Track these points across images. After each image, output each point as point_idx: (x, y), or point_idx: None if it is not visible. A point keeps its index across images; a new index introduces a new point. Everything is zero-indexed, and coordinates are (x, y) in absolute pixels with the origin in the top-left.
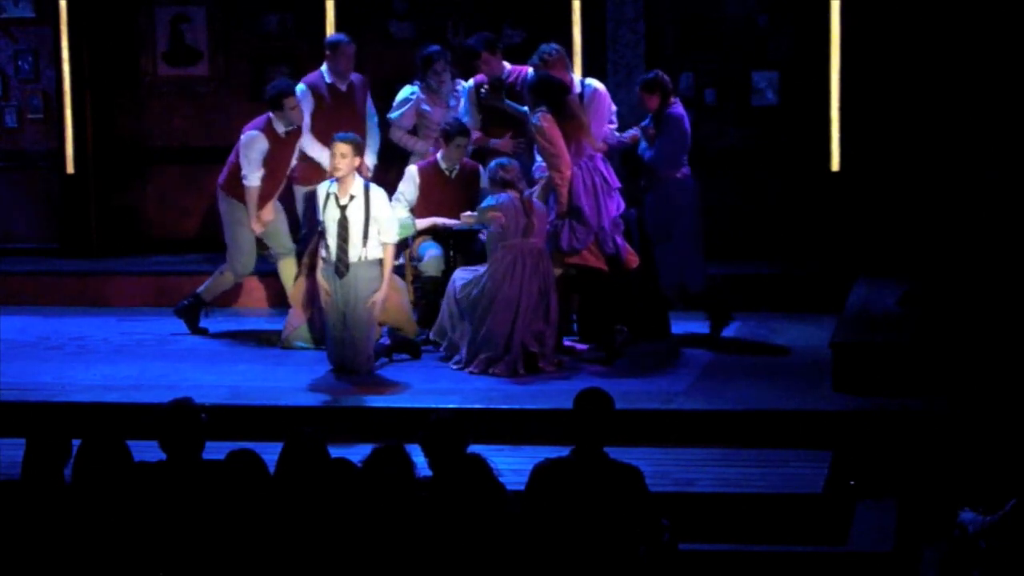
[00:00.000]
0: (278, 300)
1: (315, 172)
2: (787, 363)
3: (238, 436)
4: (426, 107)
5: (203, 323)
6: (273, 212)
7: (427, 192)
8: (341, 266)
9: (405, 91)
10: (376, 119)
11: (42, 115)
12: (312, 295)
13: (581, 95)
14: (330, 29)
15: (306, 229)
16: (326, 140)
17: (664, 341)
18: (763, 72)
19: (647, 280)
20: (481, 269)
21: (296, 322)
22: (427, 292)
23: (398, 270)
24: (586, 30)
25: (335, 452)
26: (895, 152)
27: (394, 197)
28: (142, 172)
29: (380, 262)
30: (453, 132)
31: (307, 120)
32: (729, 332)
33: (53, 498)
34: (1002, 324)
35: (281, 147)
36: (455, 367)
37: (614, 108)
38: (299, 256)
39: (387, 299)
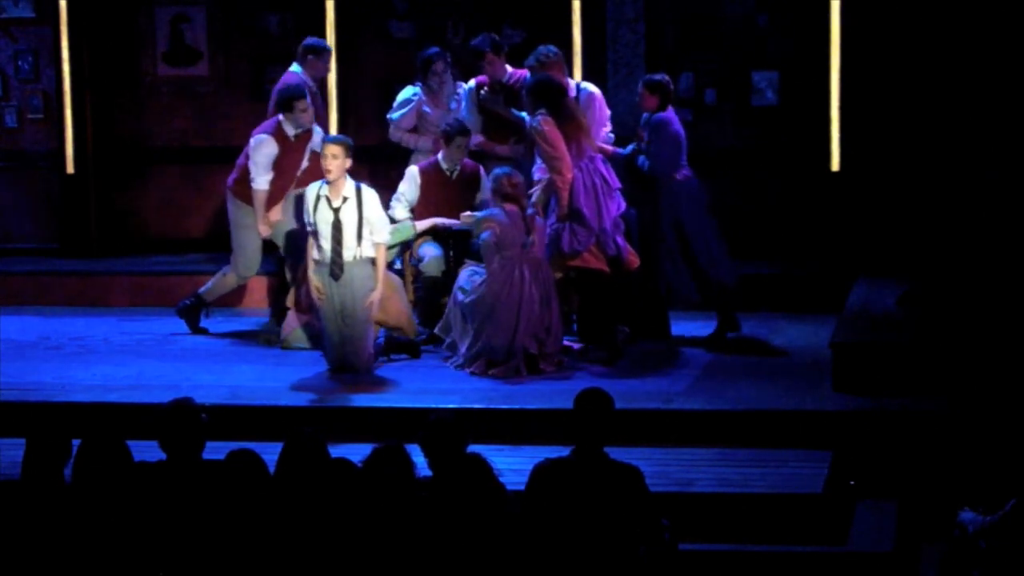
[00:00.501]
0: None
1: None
2: (787, 363)
3: (238, 436)
4: (427, 108)
5: (203, 323)
6: (281, 214)
7: (428, 192)
8: (336, 268)
9: (406, 92)
10: (322, 134)
11: (42, 115)
12: (310, 296)
13: (576, 99)
14: (330, 29)
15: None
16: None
17: (664, 341)
18: (763, 72)
19: (647, 280)
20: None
21: (295, 323)
22: (427, 292)
23: (398, 270)
24: (586, 30)
25: (335, 452)
26: (895, 152)
27: (394, 197)
28: (142, 172)
29: (373, 261)
30: (453, 132)
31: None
32: (729, 332)
33: (53, 498)
34: (1002, 324)
35: (291, 150)
36: (455, 367)
37: (608, 112)
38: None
39: (387, 300)
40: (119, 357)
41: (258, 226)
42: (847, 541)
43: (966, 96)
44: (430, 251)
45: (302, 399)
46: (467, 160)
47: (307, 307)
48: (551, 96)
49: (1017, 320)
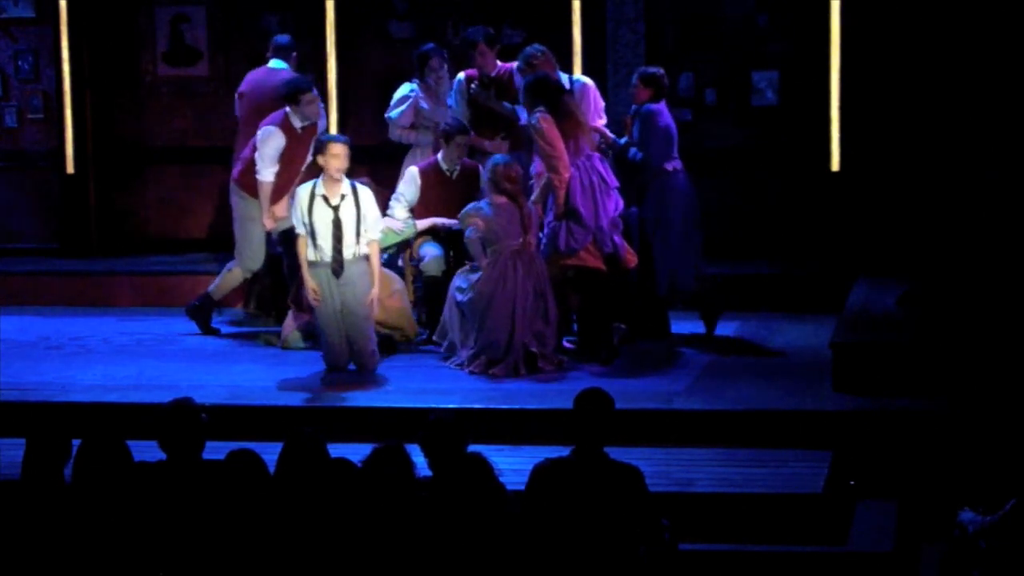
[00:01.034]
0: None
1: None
2: (787, 363)
3: (238, 436)
4: (424, 105)
5: (214, 323)
6: (286, 208)
7: (428, 193)
8: (337, 266)
9: (404, 89)
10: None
11: (42, 115)
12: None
13: (570, 91)
14: (330, 29)
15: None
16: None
17: (664, 341)
18: (763, 72)
19: (646, 279)
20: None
21: (295, 322)
22: (428, 292)
23: (398, 270)
24: (586, 30)
25: (335, 452)
26: (895, 152)
27: (394, 197)
28: (142, 172)
29: (367, 258)
30: (453, 132)
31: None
32: (729, 332)
33: (53, 498)
34: (1002, 324)
35: (297, 142)
36: (455, 367)
37: (603, 103)
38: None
39: (388, 299)
40: (119, 357)
41: (263, 219)
42: (847, 541)
43: (966, 96)
44: (430, 251)
45: (302, 399)
46: (466, 159)
47: (307, 307)
48: (549, 94)
49: (1017, 320)
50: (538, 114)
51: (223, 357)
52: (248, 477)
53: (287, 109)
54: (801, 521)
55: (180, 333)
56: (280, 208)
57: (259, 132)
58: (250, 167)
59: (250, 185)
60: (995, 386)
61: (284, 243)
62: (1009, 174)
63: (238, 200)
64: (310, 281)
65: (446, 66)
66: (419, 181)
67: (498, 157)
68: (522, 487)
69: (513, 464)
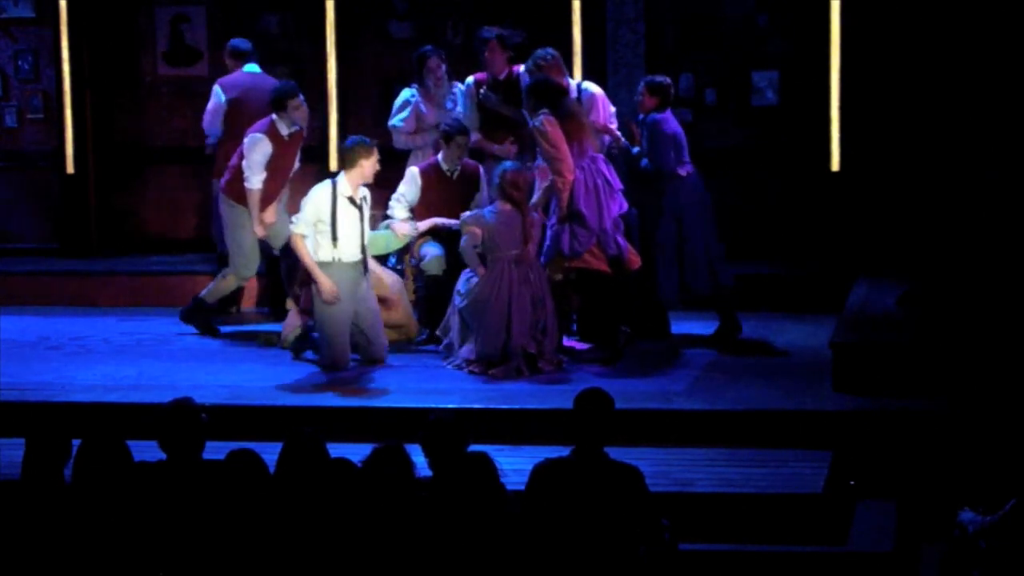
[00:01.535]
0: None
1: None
2: (787, 363)
3: (238, 436)
4: (423, 108)
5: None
6: (275, 214)
7: (428, 193)
8: (364, 264)
9: (404, 95)
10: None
11: (42, 115)
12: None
13: (578, 99)
14: (330, 29)
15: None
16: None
17: (664, 341)
18: (763, 72)
19: (647, 280)
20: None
21: (295, 322)
22: (429, 291)
23: (399, 270)
24: (586, 30)
25: (335, 452)
26: (895, 152)
27: (394, 197)
28: (142, 172)
29: None
30: (453, 132)
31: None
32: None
33: (53, 498)
34: (1002, 324)
35: (284, 149)
36: (453, 367)
37: (612, 109)
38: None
39: (390, 300)
40: (119, 357)
41: (255, 227)
42: (847, 541)
43: (966, 96)
44: (431, 250)
45: (302, 399)
46: (467, 160)
47: (307, 307)
48: (552, 96)
49: (1017, 320)
50: (541, 116)
51: (223, 357)
52: (248, 477)
53: (273, 116)
54: (801, 521)
55: (180, 333)
56: (269, 215)
57: (246, 140)
58: (238, 175)
59: (238, 193)
60: (995, 386)
61: (284, 246)
62: (1009, 174)
63: (227, 209)
64: (326, 281)
65: (444, 67)
66: (420, 181)
67: (508, 164)
68: (522, 487)
69: (513, 464)
